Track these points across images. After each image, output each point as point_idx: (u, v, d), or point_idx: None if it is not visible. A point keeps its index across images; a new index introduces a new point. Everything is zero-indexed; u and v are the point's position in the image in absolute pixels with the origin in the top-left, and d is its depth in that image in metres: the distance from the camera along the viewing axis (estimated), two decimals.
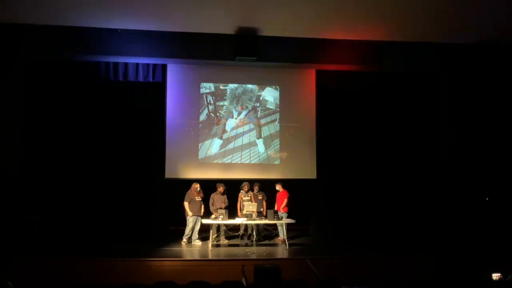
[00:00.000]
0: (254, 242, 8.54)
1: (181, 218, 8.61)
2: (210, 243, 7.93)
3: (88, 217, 8.68)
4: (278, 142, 9.62)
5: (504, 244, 7.70)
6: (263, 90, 9.69)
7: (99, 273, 6.45)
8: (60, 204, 8.64)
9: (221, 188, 8.60)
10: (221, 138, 9.46)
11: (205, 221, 8.17)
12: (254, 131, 9.58)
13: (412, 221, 9.13)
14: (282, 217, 8.46)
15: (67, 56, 8.68)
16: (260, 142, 9.59)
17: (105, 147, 9.13)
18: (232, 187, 8.91)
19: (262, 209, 8.64)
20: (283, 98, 9.71)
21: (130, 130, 9.28)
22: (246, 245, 8.42)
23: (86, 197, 8.81)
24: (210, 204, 8.54)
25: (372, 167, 9.74)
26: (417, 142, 9.72)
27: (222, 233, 8.58)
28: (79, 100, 9.08)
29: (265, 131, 9.61)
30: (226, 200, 8.59)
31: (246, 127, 9.57)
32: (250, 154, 9.52)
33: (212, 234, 8.04)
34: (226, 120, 9.52)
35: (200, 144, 9.39)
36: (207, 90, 9.55)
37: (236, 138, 9.51)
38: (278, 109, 9.68)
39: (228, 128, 9.52)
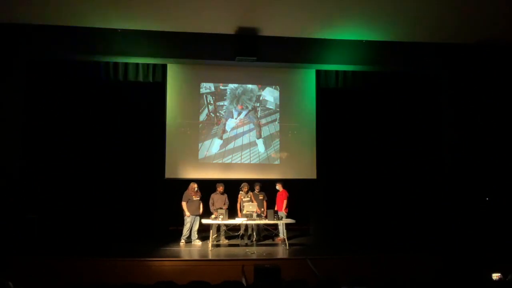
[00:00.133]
0: (254, 242, 8.54)
1: (181, 218, 8.61)
2: (210, 243, 7.93)
3: (88, 217, 8.68)
4: (278, 142, 9.62)
5: (504, 244, 7.70)
6: (263, 90, 9.69)
7: (99, 273, 6.45)
8: (60, 204, 8.64)
9: (220, 188, 8.60)
10: (221, 138, 9.46)
11: (205, 221, 8.17)
12: (254, 131, 9.58)
13: (412, 221, 9.13)
14: (282, 217, 8.46)
15: (67, 56, 8.68)
16: (260, 142, 9.59)
17: (105, 147, 9.13)
18: (232, 187, 8.91)
19: (262, 209, 8.63)
20: (283, 98, 9.71)
21: (130, 130, 9.29)
22: (246, 245, 8.42)
23: (86, 197, 8.81)
24: (210, 204, 8.54)
25: (372, 167, 9.74)
26: (417, 142, 9.72)
27: (222, 233, 8.58)
28: (79, 100, 9.08)
29: (265, 131, 9.61)
30: (227, 200, 8.60)
31: (246, 127, 9.57)
32: (250, 154, 9.51)
33: (212, 234, 8.05)
34: (226, 120, 9.52)
35: (200, 144, 9.39)
36: (207, 90, 9.55)
37: (236, 138, 9.51)
38: (278, 109, 9.68)
39: (228, 128, 9.52)
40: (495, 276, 5.15)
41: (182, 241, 8.35)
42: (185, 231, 8.38)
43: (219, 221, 8.15)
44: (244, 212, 8.39)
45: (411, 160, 9.66)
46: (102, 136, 9.13)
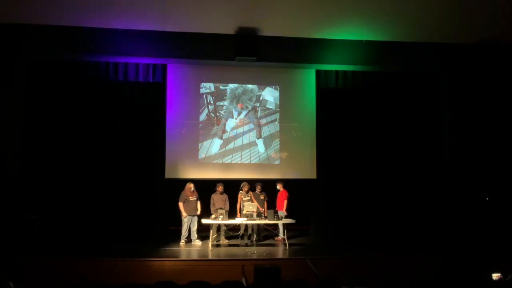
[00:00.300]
0: (254, 242, 8.54)
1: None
2: (210, 243, 7.93)
3: (88, 217, 8.69)
4: (278, 142, 9.62)
5: (504, 244, 7.70)
6: (263, 90, 9.69)
7: (99, 273, 6.45)
8: (60, 204, 8.64)
9: (220, 188, 8.60)
10: (221, 138, 9.46)
11: (205, 221, 8.17)
12: (254, 131, 9.58)
13: (412, 221, 9.13)
14: (282, 217, 8.47)
15: (67, 56, 8.68)
16: (260, 142, 9.59)
17: (105, 147, 9.13)
18: (232, 187, 8.90)
19: (263, 209, 8.63)
20: (283, 98, 9.71)
21: (130, 130, 9.29)
22: (246, 245, 8.42)
23: (86, 197, 8.82)
24: (211, 205, 8.53)
25: (372, 167, 9.74)
26: (417, 142, 9.72)
27: (222, 233, 8.58)
28: (79, 100, 9.08)
29: (265, 131, 9.61)
30: (227, 201, 8.58)
31: (246, 127, 9.57)
32: (250, 154, 9.51)
33: (212, 234, 8.04)
34: (226, 120, 9.52)
35: (200, 144, 9.39)
36: (207, 90, 9.55)
37: (236, 138, 9.51)
38: (278, 109, 9.68)
39: (228, 128, 9.52)
40: (495, 276, 5.15)
41: (182, 241, 8.35)
42: (184, 232, 8.38)
43: (219, 221, 8.15)
44: (244, 212, 8.39)
45: (411, 160, 9.66)
46: (102, 136, 9.13)
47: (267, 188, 9.07)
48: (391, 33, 8.69)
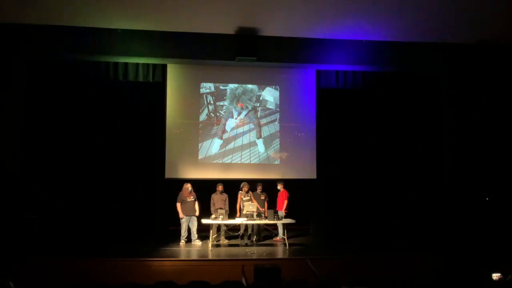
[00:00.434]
0: (254, 242, 8.54)
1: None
2: (210, 243, 7.93)
3: (88, 217, 8.68)
4: (278, 142, 9.62)
5: (504, 244, 7.70)
6: (263, 90, 9.69)
7: (99, 273, 6.45)
8: (60, 204, 8.64)
9: (220, 187, 8.60)
10: (221, 138, 9.46)
11: (205, 221, 8.17)
12: (254, 131, 9.58)
13: (412, 221, 9.13)
14: (282, 217, 8.47)
15: (67, 56, 8.68)
16: (260, 142, 9.59)
17: (105, 147, 9.13)
18: (232, 187, 8.90)
19: (263, 210, 8.63)
20: (283, 98, 9.71)
21: (130, 130, 9.28)
22: (246, 245, 8.42)
23: (86, 197, 8.81)
24: (211, 205, 8.54)
25: (372, 167, 9.74)
26: (417, 142, 9.72)
27: (222, 233, 8.57)
28: (79, 100, 9.08)
29: (265, 131, 9.61)
30: (227, 202, 8.58)
31: (246, 127, 9.57)
32: (250, 154, 9.51)
33: (212, 234, 8.04)
34: (226, 120, 9.52)
35: (200, 144, 9.39)
36: (207, 90, 9.55)
37: (236, 138, 9.51)
38: (278, 109, 9.68)
39: (228, 128, 9.52)
40: (495, 276, 5.15)
41: (182, 241, 8.35)
42: (183, 232, 8.38)
43: (219, 221, 8.15)
44: (244, 212, 8.39)
45: (411, 160, 9.66)
46: (102, 136, 9.13)
47: (267, 188, 9.07)
48: (391, 33, 8.68)
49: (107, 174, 9.04)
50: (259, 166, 9.53)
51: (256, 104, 9.64)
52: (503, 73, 9.29)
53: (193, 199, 8.43)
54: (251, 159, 9.50)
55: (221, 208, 8.31)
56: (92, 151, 9.05)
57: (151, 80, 9.14)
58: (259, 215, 8.25)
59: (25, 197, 8.26)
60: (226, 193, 8.69)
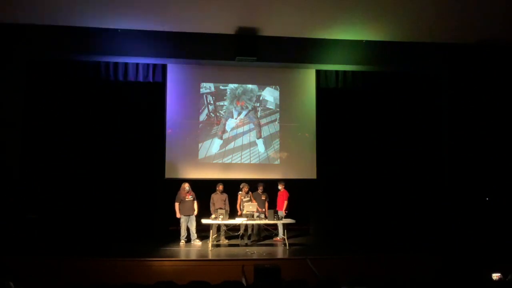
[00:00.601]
0: (254, 242, 8.53)
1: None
2: (210, 243, 7.93)
3: (88, 217, 8.68)
4: (278, 142, 9.62)
5: (504, 244, 7.70)
6: (263, 90, 9.69)
7: (99, 273, 6.45)
8: (60, 204, 8.63)
9: (220, 187, 8.60)
10: (221, 138, 9.46)
11: (205, 221, 8.17)
12: (254, 131, 9.58)
13: (412, 221, 9.13)
14: (282, 217, 8.47)
15: (67, 56, 8.68)
16: (260, 142, 9.59)
17: (105, 147, 9.12)
18: (232, 187, 8.90)
19: (263, 210, 8.63)
20: (283, 98, 9.71)
21: (130, 130, 9.28)
22: (246, 245, 8.42)
23: (86, 197, 8.81)
24: (211, 205, 8.54)
25: (372, 167, 9.73)
26: (417, 142, 9.71)
27: (222, 233, 8.57)
28: (79, 100, 9.08)
29: (265, 131, 9.61)
30: (227, 202, 8.58)
31: (246, 127, 9.57)
32: (250, 154, 9.51)
33: (212, 234, 8.04)
34: (226, 120, 9.52)
35: (200, 144, 9.39)
36: (207, 90, 9.55)
37: (236, 138, 9.51)
38: (278, 109, 9.68)
39: (228, 128, 9.52)
40: (495, 276, 5.15)
41: (182, 241, 8.35)
42: (182, 232, 8.38)
43: (219, 221, 8.15)
44: (244, 212, 8.39)
45: (411, 160, 9.66)
46: (102, 136, 9.12)
47: (267, 188, 9.07)
48: (391, 33, 8.69)
49: (107, 174, 9.04)
50: (259, 166, 9.53)
51: (256, 104, 9.65)
52: (503, 73, 9.30)
53: (191, 199, 8.43)
54: (251, 159, 9.50)
55: (221, 208, 8.30)
56: (92, 151, 9.04)
57: (151, 80, 9.14)
58: (259, 215, 8.24)
59: (25, 197, 8.25)
60: (226, 193, 8.68)
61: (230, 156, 9.44)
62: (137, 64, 9.03)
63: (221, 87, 9.59)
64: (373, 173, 9.70)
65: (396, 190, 9.54)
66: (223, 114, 9.55)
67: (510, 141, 9.24)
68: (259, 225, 8.53)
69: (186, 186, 8.44)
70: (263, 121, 9.63)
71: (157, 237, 8.74)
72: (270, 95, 9.69)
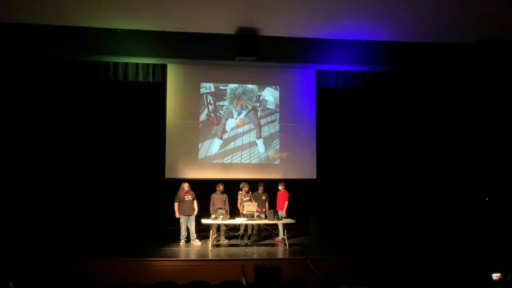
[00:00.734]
0: (254, 242, 8.53)
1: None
2: (210, 243, 7.93)
3: (88, 217, 8.68)
4: (278, 142, 9.62)
5: (504, 244, 7.70)
6: (263, 90, 9.69)
7: (99, 273, 6.46)
8: (60, 204, 8.63)
9: (220, 187, 8.60)
10: (221, 138, 9.46)
11: (205, 221, 8.17)
12: (254, 131, 9.58)
13: (412, 221, 9.12)
14: (282, 217, 8.46)
15: (67, 56, 8.68)
16: (260, 142, 9.59)
17: (105, 147, 9.12)
18: (232, 187, 8.90)
19: (264, 210, 8.63)
20: (283, 98, 9.71)
21: (130, 130, 9.28)
22: (246, 245, 8.41)
23: (86, 197, 8.81)
24: (211, 205, 8.53)
25: (372, 167, 9.73)
26: (417, 142, 9.71)
27: (222, 233, 8.57)
28: (79, 100, 9.08)
29: (265, 131, 9.62)
30: (227, 202, 8.57)
31: (246, 127, 9.57)
32: (250, 154, 9.51)
33: (212, 234, 8.04)
34: (226, 120, 9.52)
35: (200, 144, 9.39)
36: (207, 90, 9.55)
37: (236, 138, 9.51)
38: (278, 109, 9.68)
39: (228, 128, 9.52)
40: (495, 276, 5.15)
41: (182, 241, 8.35)
42: (182, 232, 8.39)
43: (219, 221, 8.14)
44: (244, 212, 8.38)
45: (411, 160, 9.66)
46: (102, 136, 9.12)
47: (267, 188, 9.06)
48: (391, 33, 8.68)
49: (107, 174, 9.04)
50: (259, 166, 9.53)
51: (256, 104, 9.65)
52: (503, 73, 9.29)
53: (191, 198, 8.43)
54: (251, 159, 9.50)
55: (221, 208, 8.30)
56: (92, 151, 9.04)
57: (151, 80, 9.14)
58: (259, 215, 8.24)
59: (25, 197, 8.25)
60: (226, 193, 8.67)
61: (230, 156, 9.44)
62: (137, 64, 9.04)
63: (221, 87, 9.59)
64: (373, 173, 9.70)
65: (396, 190, 9.54)
66: (223, 114, 9.55)
67: (510, 141, 9.24)
68: (259, 225, 8.53)
69: (185, 186, 8.44)
70: (263, 121, 9.63)
71: (157, 237, 8.74)
72: (270, 95, 9.70)
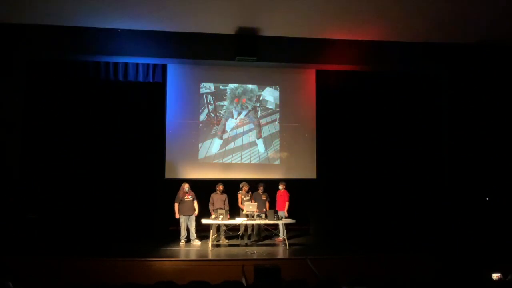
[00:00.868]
0: (254, 242, 8.53)
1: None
2: (210, 243, 7.93)
3: (88, 217, 8.68)
4: (278, 142, 9.62)
5: (504, 244, 7.70)
6: (263, 90, 9.69)
7: (99, 273, 6.45)
8: (60, 204, 8.64)
9: (220, 187, 8.60)
10: (221, 138, 9.46)
11: (205, 221, 8.17)
12: (254, 131, 9.58)
13: (412, 221, 9.13)
14: (282, 217, 8.46)
15: (67, 56, 8.69)
16: (260, 142, 9.59)
17: (105, 147, 9.13)
18: (232, 187, 8.89)
19: (264, 210, 8.63)
20: (283, 98, 9.71)
21: (130, 130, 9.28)
22: (246, 245, 8.41)
23: (86, 197, 8.81)
24: (210, 204, 8.53)
25: (372, 167, 9.73)
26: (417, 142, 9.72)
27: (222, 233, 8.57)
28: (79, 100, 9.08)
29: (265, 131, 9.62)
30: (227, 202, 8.57)
31: (246, 127, 9.57)
32: (250, 154, 9.52)
33: (212, 234, 8.04)
34: (226, 120, 9.52)
35: (200, 144, 9.39)
36: (207, 90, 9.55)
37: (236, 138, 9.51)
38: (278, 109, 9.68)
39: (228, 128, 9.52)
40: (495, 276, 5.15)
41: (182, 241, 8.35)
42: (182, 232, 8.38)
43: (219, 221, 8.14)
44: (244, 212, 8.38)
45: (411, 160, 9.66)
46: (102, 136, 9.13)
47: (267, 188, 9.06)
48: (391, 33, 8.68)
49: (107, 174, 9.04)
50: (259, 166, 9.53)
51: (256, 104, 9.65)
52: (503, 73, 9.29)
53: (191, 198, 8.43)
54: (251, 159, 9.50)
55: (221, 208, 8.30)
56: (92, 151, 9.05)
57: (151, 80, 9.15)
58: (259, 215, 8.24)
59: (25, 197, 8.26)
60: (226, 193, 8.67)
61: (230, 156, 9.44)
62: (137, 64, 9.04)
63: (221, 87, 9.59)
64: (373, 173, 9.70)
65: (396, 190, 9.54)
66: (223, 114, 9.55)
67: (510, 141, 9.24)
68: (259, 225, 8.53)
69: (186, 186, 8.44)
70: (263, 121, 9.63)
71: (157, 237, 8.74)
72: (270, 95, 9.70)
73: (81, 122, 9.05)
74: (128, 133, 9.27)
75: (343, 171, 9.70)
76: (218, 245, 8.34)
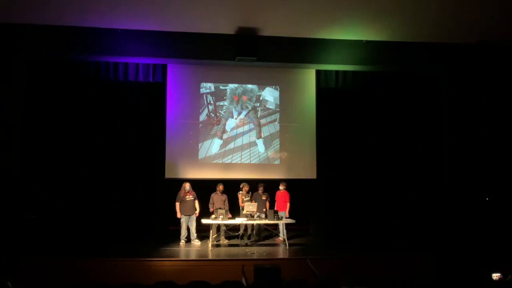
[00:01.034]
0: (254, 242, 8.53)
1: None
2: (210, 243, 7.93)
3: (88, 217, 8.68)
4: (278, 142, 9.62)
5: (504, 244, 7.70)
6: (263, 90, 9.69)
7: (99, 273, 6.46)
8: (60, 204, 8.64)
9: (220, 187, 8.60)
10: (221, 138, 9.46)
11: (205, 221, 8.16)
12: (254, 131, 9.58)
13: (412, 221, 9.13)
14: (282, 217, 8.46)
15: (67, 56, 8.69)
16: (260, 142, 9.59)
17: (105, 147, 9.13)
18: (232, 187, 8.90)
19: (264, 210, 8.62)
20: (283, 98, 9.71)
21: (130, 130, 9.28)
22: (246, 245, 8.41)
23: (86, 197, 8.81)
24: (210, 204, 8.53)
25: (372, 167, 9.74)
26: (417, 142, 9.72)
27: (222, 233, 8.57)
28: (79, 100, 9.08)
29: (265, 131, 9.61)
30: (227, 202, 8.57)
31: (246, 127, 9.57)
32: (250, 154, 9.51)
33: (212, 234, 8.04)
34: (226, 120, 9.52)
35: (200, 144, 9.39)
36: (207, 90, 9.55)
37: (236, 138, 9.51)
38: (278, 109, 9.68)
39: (228, 128, 9.52)
40: (495, 276, 5.15)
41: (182, 241, 8.35)
42: (183, 231, 8.38)
43: (219, 221, 8.14)
44: (244, 212, 8.38)
45: (411, 160, 9.66)
46: (102, 136, 9.13)
47: (267, 188, 9.05)
48: (391, 33, 8.69)
49: (107, 174, 9.04)
50: (259, 166, 9.53)
51: (256, 104, 9.65)
52: (503, 73, 9.30)
53: (192, 198, 8.43)
54: (251, 159, 9.50)
55: (221, 208, 8.30)
56: (92, 151, 9.05)
57: (151, 80, 9.15)
58: (259, 215, 8.23)
59: (25, 197, 8.25)
60: (226, 193, 8.67)
61: (230, 156, 9.44)
62: (137, 64, 9.04)
63: (221, 87, 9.59)
64: (373, 173, 9.70)
65: (396, 190, 9.54)
66: (223, 114, 9.55)
67: (510, 141, 9.24)
68: (259, 225, 8.53)
69: (187, 186, 8.44)
70: (263, 121, 9.63)
71: (157, 237, 8.74)
72: (270, 95, 9.70)
73: (81, 122, 9.05)
74: (128, 133, 9.27)
75: (343, 171, 9.71)
76: (218, 245, 8.33)
